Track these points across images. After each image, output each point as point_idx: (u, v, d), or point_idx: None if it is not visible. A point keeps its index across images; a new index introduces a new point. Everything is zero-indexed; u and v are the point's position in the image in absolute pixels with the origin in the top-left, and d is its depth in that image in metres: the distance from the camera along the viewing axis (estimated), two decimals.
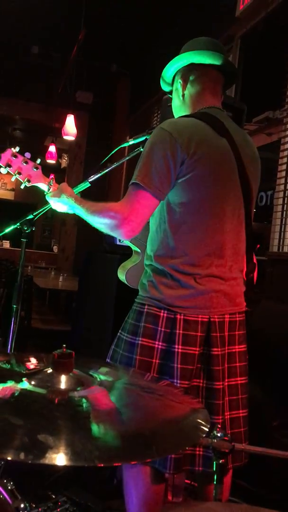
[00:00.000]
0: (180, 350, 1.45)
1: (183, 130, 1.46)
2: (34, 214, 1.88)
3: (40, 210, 1.90)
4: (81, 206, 1.57)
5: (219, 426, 1.06)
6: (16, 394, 0.98)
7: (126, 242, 1.81)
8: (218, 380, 1.47)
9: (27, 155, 1.70)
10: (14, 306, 1.91)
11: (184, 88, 1.63)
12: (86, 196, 1.64)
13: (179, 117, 1.60)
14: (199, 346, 1.47)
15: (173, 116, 1.75)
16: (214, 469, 1.04)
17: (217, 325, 1.49)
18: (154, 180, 1.43)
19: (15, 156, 1.68)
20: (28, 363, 1.24)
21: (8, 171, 1.69)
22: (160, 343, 1.47)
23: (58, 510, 1.66)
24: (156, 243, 1.54)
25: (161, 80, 1.74)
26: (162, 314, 1.48)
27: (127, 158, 1.93)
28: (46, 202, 1.76)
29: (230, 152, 1.54)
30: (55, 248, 10.74)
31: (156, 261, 1.52)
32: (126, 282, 1.81)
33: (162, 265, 1.50)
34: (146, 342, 1.48)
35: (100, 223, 1.50)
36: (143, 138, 1.87)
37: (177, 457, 1.41)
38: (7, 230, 1.93)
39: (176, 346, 1.45)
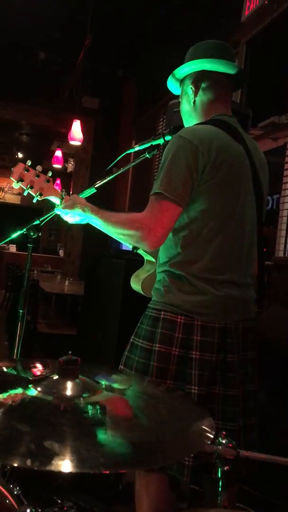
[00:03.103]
0: (197, 356, 1.44)
1: (203, 137, 1.47)
2: (40, 219, 1.88)
3: (47, 216, 1.90)
4: (98, 217, 1.54)
5: (224, 432, 1.06)
6: (22, 400, 0.99)
7: (140, 251, 1.80)
8: (234, 387, 1.47)
9: (39, 168, 1.68)
10: (21, 310, 1.91)
11: (195, 94, 1.62)
12: (92, 202, 1.63)
13: (195, 124, 1.60)
14: (216, 352, 1.46)
15: (179, 121, 1.75)
16: (219, 475, 1.04)
17: (232, 331, 1.49)
18: (177, 189, 1.42)
19: (27, 170, 1.66)
20: (34, 369, 1.25)
21: (20, 185, 1.68)
22: (177, 349, 1.46)
23: None
24: (173, 249, 1.52)
25: (169, 82, 1.72)
26: (179, 320, 1.47)
27: (133, 164, 1.93)
28: (53, 207, 1.75)
29: (246, 158, 1.55)
30: (61, 252, 10.78)
31: (173, 267, 1.51)
32: (141, 292, 1.79)
33: (179, 270, 1.49)
34: (163, 348, 1.46)
35: (123, 234, 1.49)
36: (148, 144, 1.87)
37: (194, 465, 1.41)
38: (14, 235, 1.93)
39: (194, 352, 1.44)
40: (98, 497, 2.15)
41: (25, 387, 1.03)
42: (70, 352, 1.04)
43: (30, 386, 1.03)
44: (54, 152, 8.64)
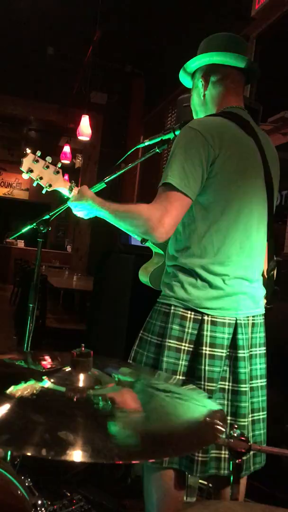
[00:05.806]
0: (207, 352, 1.44)
1: (212, 129, 1.45)
2: (50, 214, 1.89)
3: (57, 210, 1.90)
4: (105, 209, 1.52)
5: (236, 426, 1.06)
6: (36, 392, 1.00)
7: (148, 244, 1.79)
8: (243, 383, 1.47)
9: (48, 159, 1.69)
10: (31, 305, 1.92)
11: (205, 88, 1.61)
12: (100, 196, 1.63)
13: (206, 116, 1.58)
14: (226, 348, 1.46)
15: (188, 116, 1.74)
16: (231, 469, 1.04)
17: (242, 327, 1.49)
18: (186, 179, 1.41)
19: (37, 161, 1.67)
20: (44, 362, 1.26)
21: (29, 176, 1.68)
22: (187, 345, 1.46)
23: (73, 507, 1.67)
24: (182, 243, 1.51)
25: (180, 75, 1.71)
26: (189, 315, 1.47)
27: (143, 159, 1.92)
28: (61, 202, 1.75)
29: (257, 152, 1.54)
30: (69, 248, 10.81)
31: (183, 261, 1.50)
32: (149, 285, 1.79)
33: (189, 265, 1.48)
34: (173, 343, 1.46)
35: (131, 226, 1.48)
36: (159, 139, 1.86)
37: (203, 460, 1.41)
38: (24, 230, 1.94)
39: (204, 348, 1.44)
40: (107, 491, 2.16)
41: (38, 379, 1.04)
42: (83, 344, 1.05)
43: (43, 377, 1.04)
44: (62, 147, 8.64)
